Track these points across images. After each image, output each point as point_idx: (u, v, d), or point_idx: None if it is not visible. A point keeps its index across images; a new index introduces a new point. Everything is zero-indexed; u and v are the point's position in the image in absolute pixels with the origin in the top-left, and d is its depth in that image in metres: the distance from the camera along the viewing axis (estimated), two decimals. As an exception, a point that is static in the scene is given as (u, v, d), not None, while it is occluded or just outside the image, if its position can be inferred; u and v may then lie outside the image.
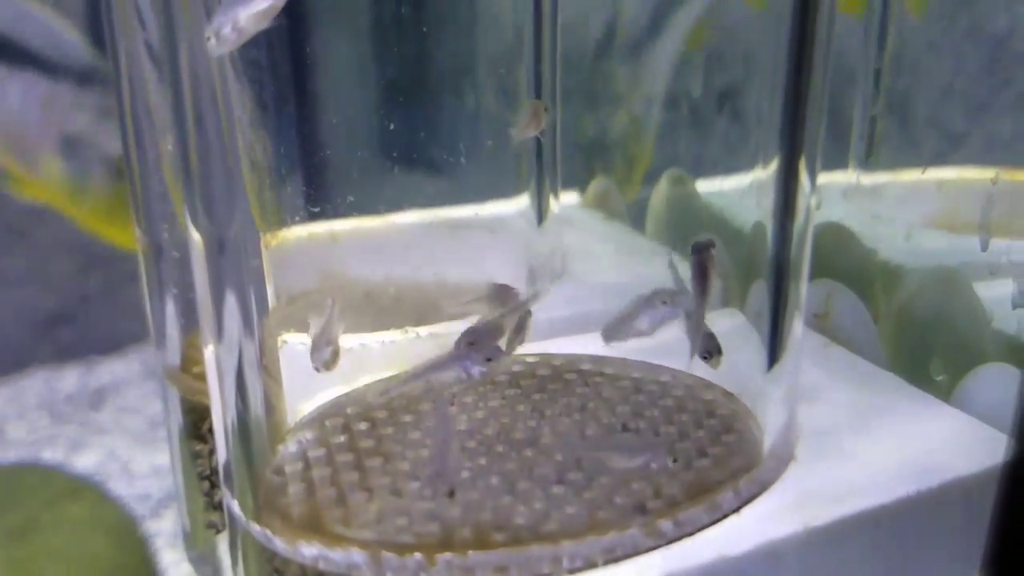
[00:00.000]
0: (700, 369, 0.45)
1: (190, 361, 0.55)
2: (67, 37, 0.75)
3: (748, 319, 0.47)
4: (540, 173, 0.62)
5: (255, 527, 0.41)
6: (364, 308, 0.57)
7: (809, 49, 0.41)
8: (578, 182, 0.74)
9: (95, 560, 0.51)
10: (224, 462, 0.44)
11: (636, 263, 0.66)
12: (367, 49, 0.55)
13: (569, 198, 0.74)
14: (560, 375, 0.51)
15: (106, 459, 0.78)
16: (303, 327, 0.46)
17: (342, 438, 0.45)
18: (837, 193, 0.62)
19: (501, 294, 0.49)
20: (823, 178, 0.45)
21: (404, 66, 0.55)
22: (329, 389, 0.49)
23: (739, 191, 0.48)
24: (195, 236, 0.41)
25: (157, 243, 0.53)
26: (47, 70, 0.75)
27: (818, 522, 0.41)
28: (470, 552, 0.38)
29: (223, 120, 0.39)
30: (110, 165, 0.71)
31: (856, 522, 0.41)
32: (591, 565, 0.38)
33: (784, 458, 0.45)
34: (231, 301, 0.41)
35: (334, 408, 0.48)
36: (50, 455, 0.79)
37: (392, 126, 0.55)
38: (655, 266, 0.60)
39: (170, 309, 0.55)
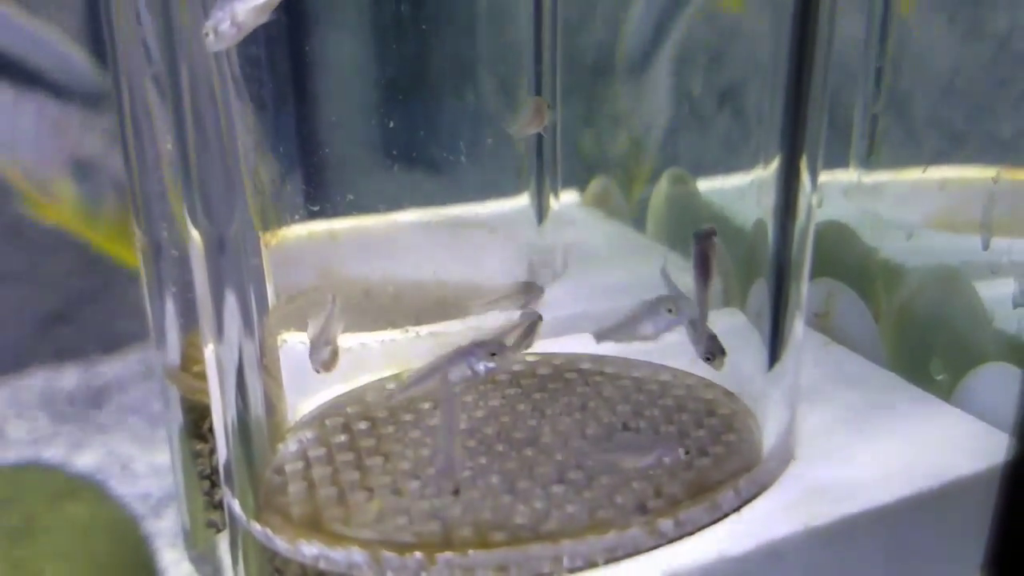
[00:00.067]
0: (701, 368, 0.45)
1: (190, 360, 0.55)
2: (76, 60, 0.75)
3: (749, 318, 0.47)
4: (540, 172, 0.62)
5: (255, 526, 0.41)
6: (364, 307, 0.57)
7: (810, 48, 0.41)
8: (578, 181, 0.74)
9: (95, 559, 0.51)
10: (224, 461, 0.44)
11: (636, 262, 0.65)
12: (367, 47, 0.55)
13: (569, 197, 0.74)
14: (560, 374, 0.51)
15: (106, 458, 0.78)
16: (303, 326, 0.46)
17: (342, 437, 0.45)
18: (838, 192, 0.62)
19: (527, 291, 0.49)
20: (824, 177, 0.45)
21: (404, 64, 0.55)
22: (329, 388, 0.49)
23: (740, 190, 0.47)
24: (195, 235, 0.41)
25: (156, 242, 0.53)
26: (57, 93, 0.75)
27: (818, 522, 0.41)
28: (470, 551, 0.38)
29: (222, 119, 0.39)
30: (121, 187, 0.71)
31: (856, 522, 0.41)
32: (591, 564, 0.38)
33: (784, 458, 0.45)
34: (231, 300, 0.41)
35: (334, 407, 0.48)
36: (50, 454, 0.79)
37: (392, 124, 0.54)
38: (655, 266, 0.60)
39: (170, 308, 0.55)
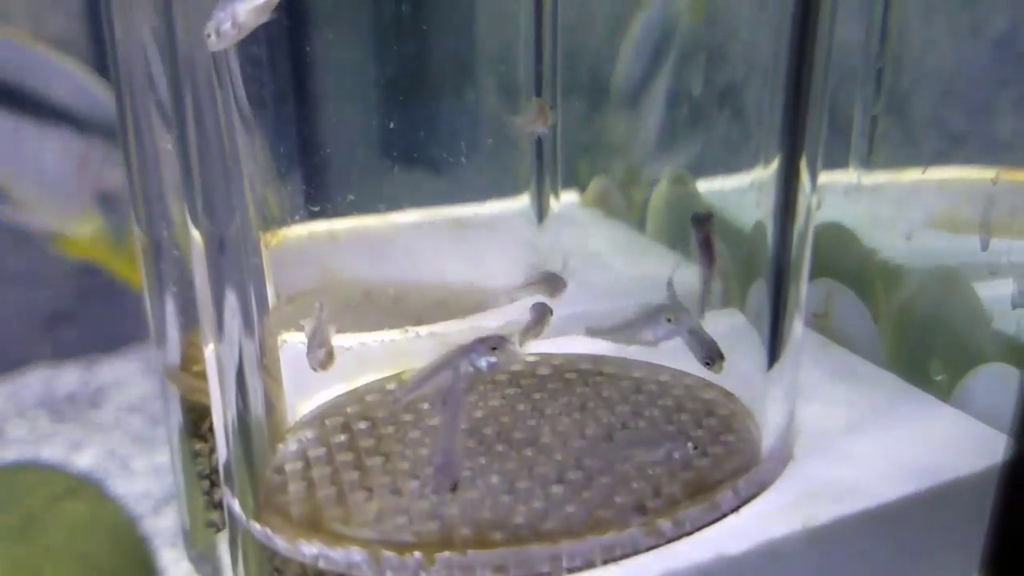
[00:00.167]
0: (699, 369, 0.45)
1: (190, 360, 0.55)
2: (96, 92, 0.75)
3: (748, 319, 0.47)
4: (540, 172, 0.62)
5: (255, 526, 0.41)
6: (364, 307, 0.57)
7: (810, 48, 0.41)
8: (578, 181, 0.74)
9: (95, 558, 0.51)
10: (224, 461, 0.44)
11: (636, 262, 0.65)
12: (367, 47, 0.55)
13: (569, 197, 0.74)
14: (560, 374, 0.51)
15: (106, 458, 0.78)
16: (303, 326, 0.46)
17: (342, 437, 0.45)
18: (838, 192, 0.62)
19: (550, 281, 0.49)
20: (824, 177, 0.45)
21: (404, 65, 0.55)
22: (329, 388, 0.49)
23: (740, 190, 0.47)
24: (195, 235, 0.41)
25: (157, 242, 0.53)
26: (79, 127, 0.75)
27: (817, 521, 0.41)
28: (469, 551, 0.38)
29: (222, 118, 0.39)
30: None
31: (855, 522, 0.41)
32: (590, 564, 0.38)
33: (783, 458, 0.45)
34: (231, 300, 0.41)
35: (334, 407, 0.48)
36: (50, 453, 0.79)
37: (392, 125, 0.54)
38: (655, 266, 0.60)
39: (170, 308, 0.55)
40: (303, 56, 0.50)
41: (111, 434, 0.82)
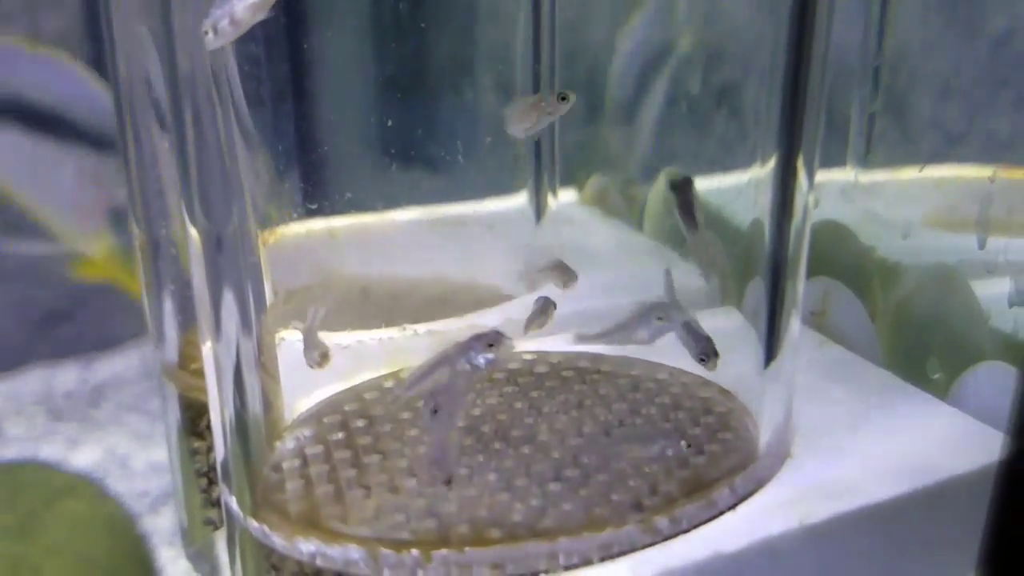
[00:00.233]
0: (697, 367, 0.45)
1: (188, 358, 0.55)
2: (106, 105, 0.75)
3: (745, 317, 0.47)
4: (538, 170, 0.62)
5: (253, 524, 0.41)
6: (362, 305, 0.57)
7: (808, 46, 0.41)
8: (576, 179, 0.74)
9: (93, 557, 0.51)
10: (222, 459, 0.44)
11: (634, 261, 0.66)
12: (365, 45, 0.55)
13: (567, 196, 0.74)
14: (557, 372, 0.51)
15: (104, 456, 0.78)
16: (301, 324, 0.46)
17: (340, 435, 0.45)
18: (835, 191, 0.62)
19: (562, 270, 0.50)
20: (821, 176, 0.45)
21: (402, 63, 0.55)
22: (327, 386, 0.49)
23: (737, 189, 0.48)
24: (192, 233, 0.41)
25: (155, 240, 0.53)
26: (92, 143, 0.75)
27: (814, 519, 0.41)
28: (467, 549, 0.38)
29: (220, 117, 0.39)
30: None
31: (852, 519, 0.41)
32: (587, 562, 0.38)
33: (780, 455, 0.45)
34: (229, 298, 0.41)
35: (332, 405, 0.48)
36: (48, 452, 0.79)
37: (390, 123, 0.55)
38: (653, 264, 0.60)
39: (168, 306, 0.55)
40: (301, 54, 0.50)
41: (109, 432, 0.82)
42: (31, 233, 0.79)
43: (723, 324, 0.48)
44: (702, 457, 0.43)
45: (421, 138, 0.55)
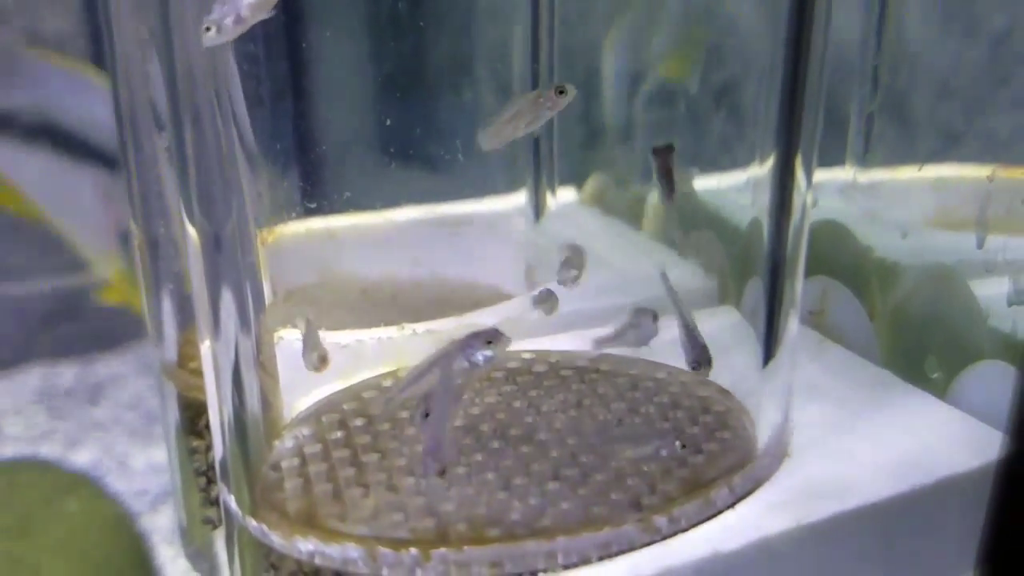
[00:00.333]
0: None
1: (187, 357, 0.55)
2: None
3: (744, 316, 0.47)
4: (537, 169, 0.62)
5: (251, 522, 0.41)
6: (361, 304, 0.57)
7: (806, 46, 0.41)
8: (575, 178, 0.74)
9: (92, 555, 0.51)
10: (221, 458, 0.44)
11: (633, 259, 0.66)
12: (364, 45, 0.55)
13: (566, 194, 0.74)
14: (556, 371, 0.51)
15: (103, 455, 0.78)
16: (296, 326, 0.46)
17: (338, 434, 0.45)
18: (834, 190, 0.62)
19: (575, 252, 0.50)
20: (820, 175, 0.45)
21: (401, 62, 0.55)
22: (325, 385, 0.49)
23: (736, 188, 0.48)
24: (191, 232, 0.41)
25: (154, 239, 0.53)
26: (104, 162, 0.75)
27: (812, 518, 0.41)
28: (465, 547, 0.38)
29: (219, 116, 0.39)
30: None
31: (850, 519, 0.41)
32: (585, 561, 0.38)
33: (778, 455, 0.45)
34: (227, 297, 0.41)
35: (330, 404, 0.48)
36: (47, 450, 0.79)
37: (389, 122, 0.55)
38: (652, 263, 0.60)
39: (167, 305, 0.55)
40: (300, 53, 0.50)
41: (109, 431, 0.82)
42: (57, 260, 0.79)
43: (722, 323, 0.48)
44: (700, 456, 0.43)
45: (420, 137, 0.55)
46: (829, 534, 0.41)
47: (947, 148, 0.58)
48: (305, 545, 0.39)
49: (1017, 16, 0.54)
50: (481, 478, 0.41)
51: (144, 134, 0.52)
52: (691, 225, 0.56)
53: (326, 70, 0.53)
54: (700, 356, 0.43)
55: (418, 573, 0.38)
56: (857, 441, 0.46)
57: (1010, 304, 0.50)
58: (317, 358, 0.45)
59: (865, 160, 0.61)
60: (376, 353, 0.52)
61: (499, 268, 0.61)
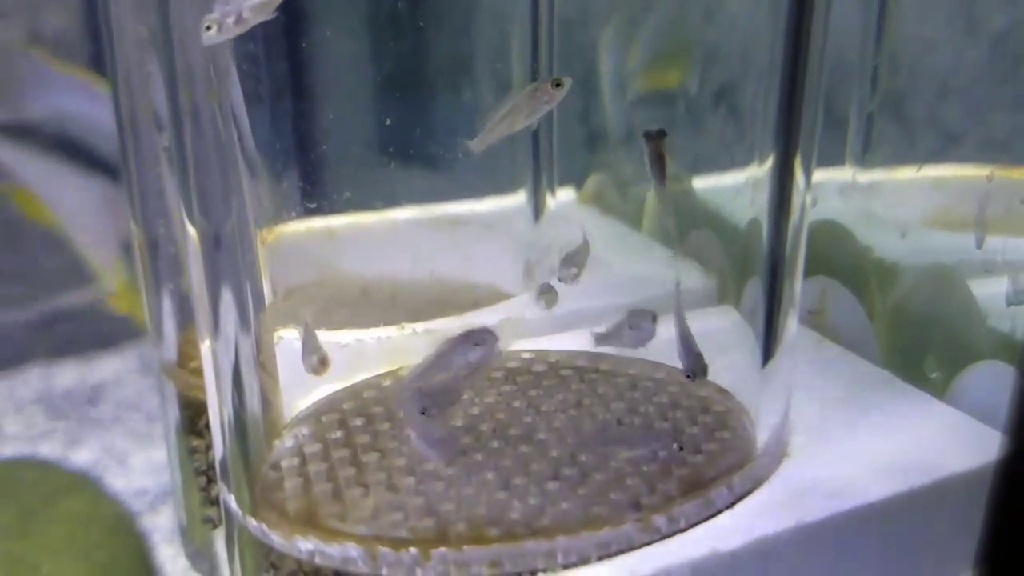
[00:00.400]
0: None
1: (187, 357, 0.55)
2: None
3: (743, 316, 0.47)
4: (537, 169, 0.62)
5: (251, 522, 0.41)
6: (360, 304, 0.57)
7: (805, 46, 0.41)
8: (575, 178, 0.74)
9: (92, 555, 0.52)
10: (220, 457, 0.44)
11: (633, 259, 0.66)
12: (364, 44, 0.55)
13: (566, 194, 0.74)
14: (556, 371, 0.51)
15: (103, 454, 0.78)
16: (299, 323, 0.46)
17: (338, 434, 0.45)
18: (833, 190, 0.62)
19: (579, 249, 0.50)
20: (819, 175, 0.45)
21: (401, 62, 0.55)
22: (325, 385, 0.49)
23: (734, 188, 0.48)
24: (191, 232, 0.41)
25: (154, 239, 0.54)
26: (108, 170, 0.74)
27: (811, 518, 0.41)
28: (465, 547, 0.38)
29: (219, 115, 0.39)
30: None
31: (849, 518, 0.41)
32: (585, 560, 0.39)
33: (777, 455, 0.45)
34: (227, 297, 0.41)
35: (330, 404, 0.48)
36: (47, 450, 0.79)
37: (389, 122, 0.55)
38: (651, 263, 0.60)
39: (167, 305, 0.55)
40: (300, 53, 0.50)
41: (109, 431, 0.82)
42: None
43: (721, 323, 0.48)
44: (700, 456, 0.43)
45: (420, 137, 0.55)
46: (828, 534, 0.41)
47: (946, 148, 0.58)
48: (305, 544, 0.39)
49: (1017, 16, 0.54)
50: (481, 478, 0.41)
51: (144, 134, 0.52)
52: (690, 225, 0.56)
53: (326, 70, 0.53)
54: (694, 366, 0.44)
55: (418, 573, 0.38)
56: (856, 441, 0.46)
57: (1009, 304, 0.50)
58: (317, 361, 0.44)
59: (864, 160, 0.61)
60: (376, 353, 0.52)
61: (498, 268, 0.61)
